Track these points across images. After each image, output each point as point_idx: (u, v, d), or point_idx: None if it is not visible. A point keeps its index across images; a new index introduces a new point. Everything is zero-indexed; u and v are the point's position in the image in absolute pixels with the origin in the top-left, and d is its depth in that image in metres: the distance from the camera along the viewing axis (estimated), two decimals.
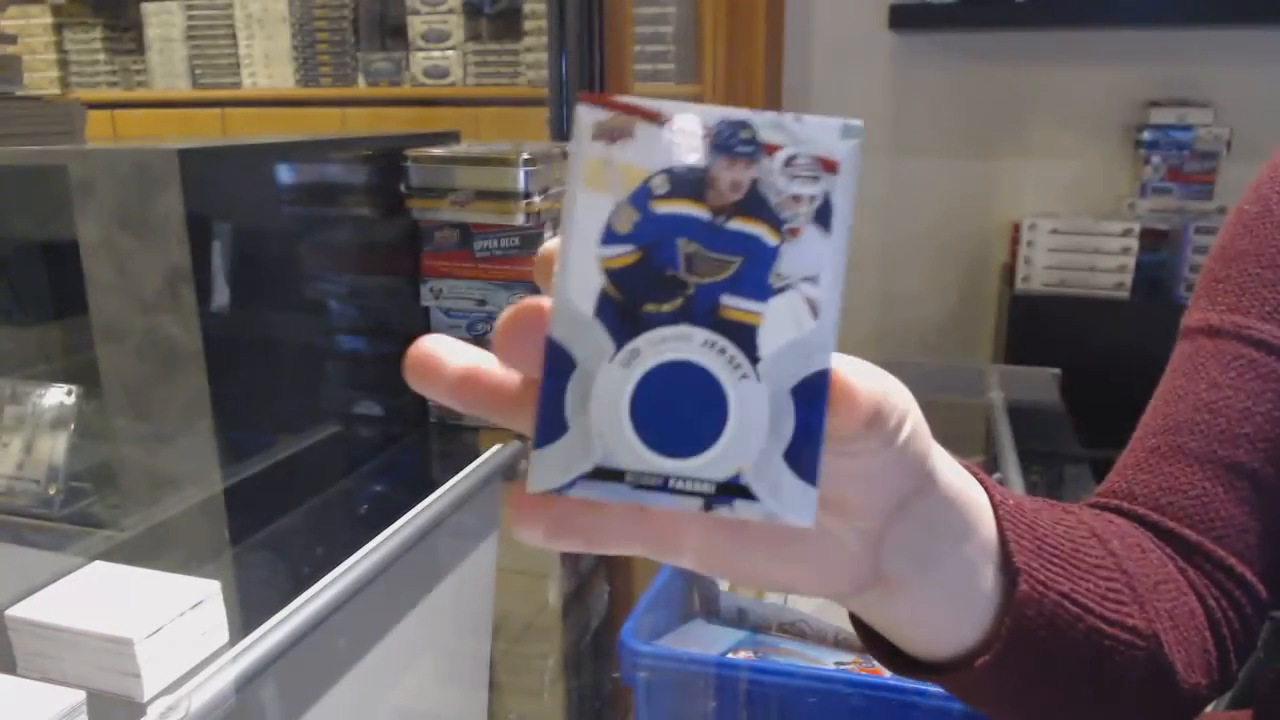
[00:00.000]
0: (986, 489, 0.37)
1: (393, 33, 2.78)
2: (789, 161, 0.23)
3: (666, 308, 0.23)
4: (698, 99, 2.27)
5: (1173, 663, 0.42)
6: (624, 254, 0.23)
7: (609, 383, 0.23)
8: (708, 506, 0.24)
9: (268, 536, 0.93)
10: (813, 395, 0.24)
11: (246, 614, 0.73)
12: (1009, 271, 2.16)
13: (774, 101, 2.31)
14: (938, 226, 2.33)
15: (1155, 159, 2.06)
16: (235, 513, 0.91)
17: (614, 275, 0.23)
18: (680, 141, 0.23)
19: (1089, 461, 1.16)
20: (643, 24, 2.33)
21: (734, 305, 0.23)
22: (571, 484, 0.24)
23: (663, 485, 0.24)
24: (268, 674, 0.70)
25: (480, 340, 0.71)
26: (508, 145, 1.15)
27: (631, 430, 0.23)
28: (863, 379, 0.25)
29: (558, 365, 0.23)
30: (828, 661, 0.85)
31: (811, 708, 0.76)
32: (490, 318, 1.12)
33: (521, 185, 1.06)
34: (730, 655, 0.86)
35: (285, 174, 1.00)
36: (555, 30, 1.55)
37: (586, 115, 0.23)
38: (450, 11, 2.65)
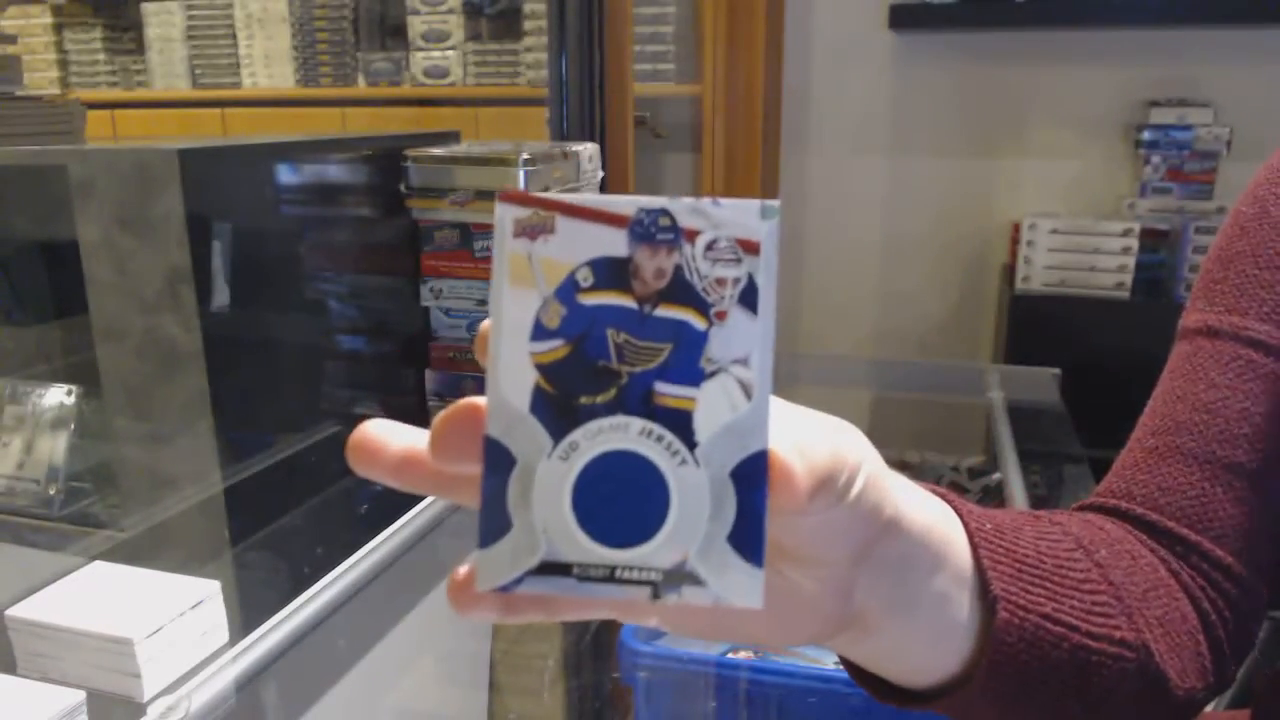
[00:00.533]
0: (961, 516, 0.36)
1: (393, 33, 2.78)
2: (710, 245, 0.24)
3: (601, 399, 0.24)
4: (698, 99, 2.27)
5: (1165, 671, 0.42)
6: (555, 348, 0.24)
7: (549, 477, 0.24)
8: (656, 595, 0.24)
9: (268, 536, 0.93)
10: (752, 477, 0.24)
11: (246, 614, 0.73)
12: (1009, 271, 2.16)
13: (774, 101, 2.31)
14: (938, 226, 2.33)
15: (1155, 159, 2.06)
16: (235, 513, 0.91)
17: (546, 370, 0.24)
18: (601, 233, 0.24)
19: (1089, 461, 1.16)
20: (643, 24, 2.33)
21: (668, 392, 0.24)
22: (519, 580, 0.24)
23: (609, 576, 0.24)
24: (268, 674, 0.70)
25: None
26: (508, 145, 1.15)
27: (575, 523, 0.24)
28: (802, 456, 0.25)
29: (497, 462, 0.24)
30: (828, 661, 0.85)
31: (811, 708, 0.76)
32: None
33: (521, 185, 1.06)
34: (730, 655, 0.86)
35: (285, 174, 1.00)
36: (555, 30, 1.55)
37: (506, 213, 0.23)
38: (450, 11, 2.65)
